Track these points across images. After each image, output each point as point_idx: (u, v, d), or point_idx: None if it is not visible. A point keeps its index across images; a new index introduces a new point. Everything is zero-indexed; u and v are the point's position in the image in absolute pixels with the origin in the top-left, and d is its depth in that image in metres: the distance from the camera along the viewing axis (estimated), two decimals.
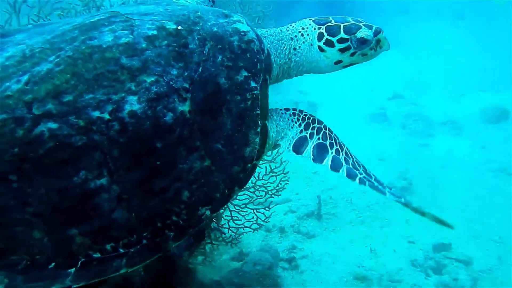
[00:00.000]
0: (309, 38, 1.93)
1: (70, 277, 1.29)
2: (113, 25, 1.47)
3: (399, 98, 11.28)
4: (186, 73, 1.46)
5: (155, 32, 1.47)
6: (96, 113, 1.31)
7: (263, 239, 5.12)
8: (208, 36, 1.56)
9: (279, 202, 5.96)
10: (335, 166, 1.77)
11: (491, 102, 10.43)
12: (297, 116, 1.90)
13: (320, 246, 5.21)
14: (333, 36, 1.87)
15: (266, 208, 3.65)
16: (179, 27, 1.52)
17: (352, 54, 1.92)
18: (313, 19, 1.95)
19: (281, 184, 3.85)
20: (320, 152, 1.80)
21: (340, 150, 1.84)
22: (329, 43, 1.89)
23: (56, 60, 1.35)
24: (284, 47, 1.93)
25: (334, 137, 1.88)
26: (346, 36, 1.86)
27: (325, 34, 1.88)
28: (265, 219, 3.75)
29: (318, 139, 1.83)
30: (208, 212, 1.52)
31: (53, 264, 1.29)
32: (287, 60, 1.94)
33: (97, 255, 1.35)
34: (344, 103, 10.82)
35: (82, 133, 1.29)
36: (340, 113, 10.34)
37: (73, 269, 1.31)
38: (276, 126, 1.86)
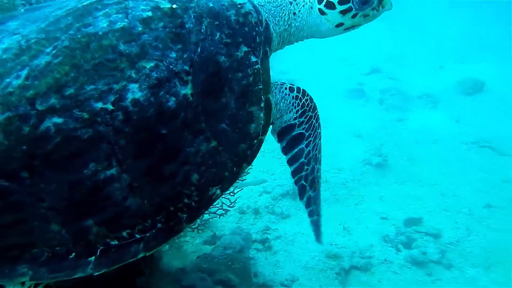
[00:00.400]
0: (309, 1, 1.88)
1: (91, 265, 1.34)
2: (107, 9, 1.44)
3: (377, 73, 11.28)
4: (185, 55, 1.45)
5: (150, 13, 1.44)
6: (99, 104, 1.31)
7: (237, 222, 5.13)
8: (204, 12, 1.53)
9: (255, 183, 5.99)
10: (294, 159, 1.87)
11: (467, 74, 10.52)
12: (297, 100, 1.88)
13: (294, 226, 5.26)
14: None
15: (231, 193, 3.62)
16: (174, 6, 1.49)
17: (354, 16, 1.86)
18: None
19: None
20: (293, 143, 1.85)
21: (311, 143, 1.88)
22: (330, 5, 1.84)
23: (53, 52, 1.33)
24: (283, 13, 1.87)
25: (315, 127, 1.89)
26: None
27: None
28: (230, 204, 3.73)
29: (304, 128, 1.84)
30: (218, 191, 1.56)
31: (73, 254, 1.33)
32: (287, 27, 1.90)
33: (115, 242, 1.38)
34: (323, 80, 10.76)
35: (87, 126, 1.30)
36: (319, 90, 10.27)
37: (93, 257, 1.36)
38: (276, 105, 1.83)
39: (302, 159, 1.89)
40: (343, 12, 1.84)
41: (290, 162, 1.91)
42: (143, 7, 1.45)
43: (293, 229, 5.17)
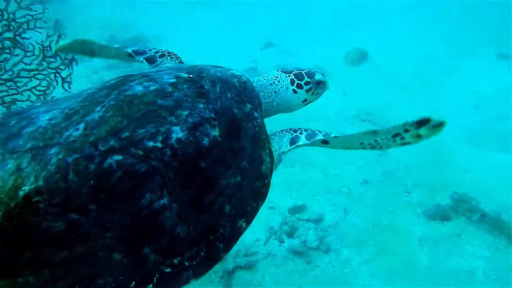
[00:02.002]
0: (284, 84, 2.35)
1: None
2: (136, 80, 1.70)
3: (271, 47, 11.37)
4: (210, 106, 1.72)
5: (174, 80, 1.73)
6: (151, 143, 1.50)
7: None
8: (215, 79, 1.87)
9: None
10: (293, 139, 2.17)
11: (355, 44, 11.07)
12: (286, 130, 2.24)
13: None
14: (301, 80, 2.36)
15: None
16: (191, 75, 1.81)
17: (312, 93, 2.39)
18: (281, 70, 2.44)
19: None
20: (311, 136, 2.15)
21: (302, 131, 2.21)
22: (299, 86, 2.36)
23: (103, 109, 1.53)
24: (266, 91, 2.31)
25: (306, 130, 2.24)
26: (309, 80, 2.37)
27: (295, 79, 2.36)
28: None
29: (305, 130, 2.20)
30: (244, 224, 1.76)
31: (133, 283, 1.44)
32: (270, 100, 2.32)
33: (168, 269, 1.52)
34: (219, 60, 10.53)
35: (143, 161, 1.47)
36: None
37: (151, 285, 1.48)
38: (275, 146, 2.18)
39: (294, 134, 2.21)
40: (307, 91, 2.38)
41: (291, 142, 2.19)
42: (167, 76, 1.75)
43: None
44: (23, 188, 1.33)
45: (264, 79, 2.38)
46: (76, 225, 1.36)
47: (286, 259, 4.71)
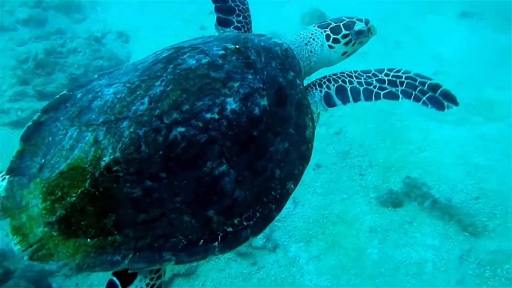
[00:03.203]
0: (320, 40, 2.34)
1: (216, 249, 1.64)
2: (188, 53, 1.84)
3: None
4: (258, 77, 1.86)
5: (223, 51, 1.85)
6: (209, 115, 1.64)
7: None
8: (260, 48, 1.99)
9: None
10: (355, 96, 2.18)
11: (311, 5, 10.47)
12: (309, 87, 2.25)
13: None
14: (337, 34, 2.31)
15: None
16: (237, 46, 1.92)
17: (353, 44, 2.35)
18: (317, 24, 2.40)
19: None
20: (341, 94, 2.19)
21: (351, 79, 2.23)
22: (336, 41, 2.32)
23: (163, 84, 1.69)
24: (303, 52, 2.34)
25: (341, 79, 2.25)
26: (347, 32, 2.31)
27: (331, 34, 2.32)
28: None
29: (333, 85, 2.22)
30: (292, 186, 1.86)
31: (201, 241, 1.63)
32: (308, 62, 2.35)
33: (230, 229, 1.68)
34: (162, 27, 9.71)
35: (203, 132, 1.62)
36: (153, 40, 9.30)
37: (216, 242, 1.65)
38: (314, 108, 2.21)
39: (362, 87, 2.20)
40: (346, 44, 2.33)
41: (355, 99, 2.19)
42: (216, 48, 1.87)
43: None
44: (104, 159, 1.52)
45: (300, 38, 2.40)
46: (151, 191, 1.55)
47: (230, 262, 4.47)
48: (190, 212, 1.61)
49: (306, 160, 1.96)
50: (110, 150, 1.53)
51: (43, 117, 1.80)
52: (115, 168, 1.52)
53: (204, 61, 1.78)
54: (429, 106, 2.09)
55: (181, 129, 1.60)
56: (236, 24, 2.48)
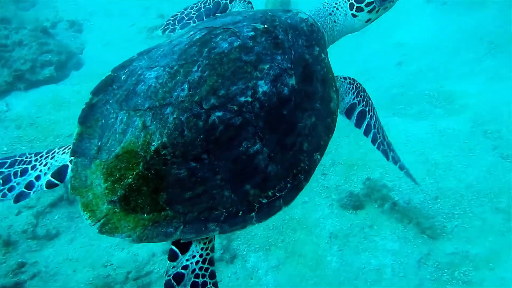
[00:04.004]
0: (343, 10, 2.48)
1: (254, 219, 1.86)
2: (220, 35, 1.97)
3: None
4: (286, 57, 1.98)
5: (252, 33, 1.99)
6: (242, 98, 1.81)
7: None
8: (287, 26, 2.11)
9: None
10: (367, 131, 2.43)
11: None
12: (351, 85, 2.43)
13: (63, 248, 4.53)
14: (361, 3, 2.43)
15: None
16: (266, 26, 2.04)
17: (377, 11, 2.45)
18: None
19: None
20: (360, 119, 2.43)
21: (373, 116, 2.46)
22: (359, 9, 2.44)
23: (200, 69, 1.84)
24: (327, 22, 2.46)
25: (370, 103, 2.47)
26: (370, 0, 2.42)
27: (355, 3, 2.45)
28: None
29: (363, 105, 2.42)
30: (319, 157, 2.07)
31: (240, 212, 1.84)
32: (331, 32, 2.48)
33: (265, 200, 1.88)
34: (114, 16, 9.16)
35: (238, 115, 1.79)
36: (108, 30, 8.79)
37: (253, 213, 1.86)
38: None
39: (373, 130, 2.45)
40: (370, 11, 2.44)
41: (365, 134, 2.45)
42: (246, 30, 2.00)
43: (59, 254, 4.45)
44: (153, 144, 1.71)
45: (325, 8, 2.51)
46: (195, 171, 1.74)
47: None
48: (229, 187, 1.82)
49: (331, 131, 2.17)
50: (157, 135, 1.74)
51: (94, 99, 1.98)
52: (163, 152, 1.73)
53: (236, 44, 1.92)
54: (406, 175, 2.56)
55: (219, 113, 1.77)
56: None
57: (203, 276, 1.94)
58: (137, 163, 1.74)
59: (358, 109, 2.42)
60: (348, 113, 2.44)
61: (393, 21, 9.35)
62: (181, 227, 1.79)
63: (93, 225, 1.76)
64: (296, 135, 1.95)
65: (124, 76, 2.00)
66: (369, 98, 2.50)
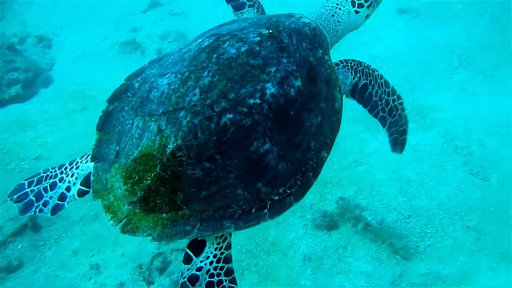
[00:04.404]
0: (346, 9, 2.63)
1: (266, 215, 1.96)
2: (228, 42, 2.07)
3: (157, 8, 9.98)
4: (291, 59, 2.09)
5: (258, 38, 2.09)
6: (252, 101, 1.90)
7: None
8: (291, 31, 2.23)
9: None
10: (367, 101, 2.64)
11: None
12: (347, 67, 2.60)
13: (26, 280, 4.37)
14: None
15: None
16: (270, 31, 2.16)
17: (373, 6, 2.66)
18: None
19: None
20: (362, 92, 2.62)
21: (375, 85, 2.65)
22: (360, 5, 2.62)
23: (210, 74, 1.94)
24: (330, 24, 2.59)
25: (370, 73, 2.64)
26: None
27: (356, 0, 2.62)
28: None
29: (363, 79, 2.60)
30: (326, 154, 2.17)
31: (254, 209, 1.93)
32: (334, 33, 2.62)
33: (276, 197, 1.98)
34: (86, 31, 8.99)
35: (247, 116, 1.88)
36: (79, 45, 8.62)
37: (266, 210, 1.95)
38: (342, 78, 2.59)
39: (374, 98, 2.61)
40: (369, 7, 2.64)
41: (365, 105, 2.61)
42: (252, 35, 2.11)
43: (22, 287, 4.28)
44: (169, 147, 1.83)
45: (326, 10, 2.65)
46: (209, 171, 1.85)
47: None
48: (242, 186, 1.90)
49: (336, 129, 2.28)
50: (172, 138, 1.83)
51: (111, 107, 2.11)
52: (179, 154, 1.83)
53: (243, 49, 2.03)
54: (391, 143, 2.76)
55: (230, 116, 1.86)
56: (248, 3, 2.82)
57: (218, 275, 2.00)
58: (154, 166, 1.85)
59: (360, 85, 2.60)
60: (352, 93, 2.61)
61: (366, 34, 9.48)
62: (198, 225, 1.88)
63: (115, 225, 1.85)
64: (303, 134, 2.05)
65: (137, 84, 2.14)
66: (368, 68, 2.64)
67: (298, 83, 2.05)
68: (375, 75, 2.65)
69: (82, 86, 7.54)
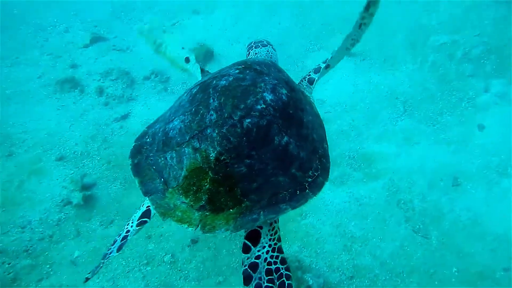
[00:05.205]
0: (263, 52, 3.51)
1: (310, 194, 2.30)
2: (214, 81, 2.40)
3: (100, 42, 9.73)
4: (271, 77, 2.46)
5: (237, 71, 2.46)
6: (259, 106, 2.25)
7: None
8: (258, 62, 2.63)
9: None
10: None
11: (195, 36, 10.14)
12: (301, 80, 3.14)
13: None
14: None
15: None
16: (243, 66, 2.53)
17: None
18: (253, 45, 3.58)
19: None
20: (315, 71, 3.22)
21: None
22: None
23: (215, 99, 2.27)
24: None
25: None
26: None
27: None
28: None
29: (310, 72, 3.18)
30: (326, 146, 2.58)
31: (298, 191, 2.27)
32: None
33: (309, 179, 2.34)
34: (18, 64, 8.56)
35: (261, 118, 2.22)
36: (15, 81, 8.16)
37: (307, 190, 2.30)
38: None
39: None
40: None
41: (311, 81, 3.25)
42: (231, 71, 2.47)
43: None
44: (211, 155, 2.14)
45: (261, 55, 3.44)
46: (251, 166, 2.18)
47: None
48: (281, 173, 2.23)
49: (323, 127, 2.68)
50: (211, 149, 2.14)
51: (136, 160, 2.39)
52: (222, 158, 2.13)
53: (231, 78, 2.38)
54: None
55: (248, 120, 2.19)
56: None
57: (275, 263, 2.26)
58: (206, 173, 2.14)
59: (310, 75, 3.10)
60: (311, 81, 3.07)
61: None
62: (261, 212, 2.19)
63: (195, 230, 2.13)
64: (306, 128, 2.41)
65: (149, 139, 2.45)
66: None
67: (284, 91, 2.41)
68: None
69: (11, 129, 7.09)
